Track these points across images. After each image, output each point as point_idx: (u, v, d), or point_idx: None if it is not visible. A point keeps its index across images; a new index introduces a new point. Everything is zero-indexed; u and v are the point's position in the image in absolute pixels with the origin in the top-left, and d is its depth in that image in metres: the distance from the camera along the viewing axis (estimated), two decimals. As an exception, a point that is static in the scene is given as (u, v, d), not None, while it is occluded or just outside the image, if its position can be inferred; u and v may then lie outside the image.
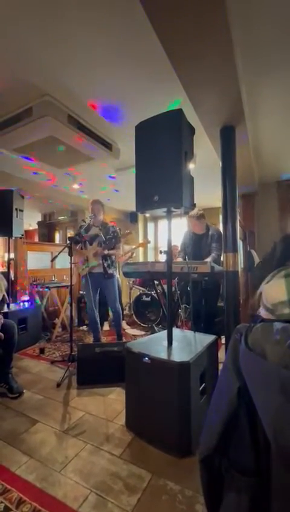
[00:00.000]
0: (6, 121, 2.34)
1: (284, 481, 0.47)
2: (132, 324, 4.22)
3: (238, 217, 2.13)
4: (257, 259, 3.45)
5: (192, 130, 1.71)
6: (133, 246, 5.04)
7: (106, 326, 4.05)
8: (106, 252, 2.88)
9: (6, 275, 3.19)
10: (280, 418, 0.45)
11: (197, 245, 2.99)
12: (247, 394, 0.54)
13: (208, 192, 4.06)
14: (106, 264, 2.92)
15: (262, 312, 0.59)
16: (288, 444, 0.44)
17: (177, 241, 3.77)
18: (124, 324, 4.12)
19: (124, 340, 3.11)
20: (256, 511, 0.52)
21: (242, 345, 0.56)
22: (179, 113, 1.57)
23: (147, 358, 1.54)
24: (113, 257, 3.06)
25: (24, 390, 2.08)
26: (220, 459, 0.59)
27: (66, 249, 2.56)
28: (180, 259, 3.02)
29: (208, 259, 2.73)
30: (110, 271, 2.95)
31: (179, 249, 3.31)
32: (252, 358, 0.53)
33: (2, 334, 1.95)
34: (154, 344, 1.75)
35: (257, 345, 0.54)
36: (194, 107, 1.86)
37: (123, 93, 2.09)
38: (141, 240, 6.25)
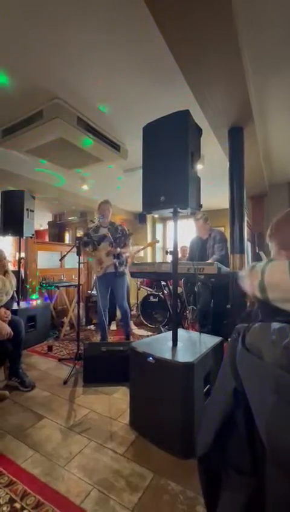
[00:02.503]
0: (18, 123, 2.42)
1: (279, 481, 0.47)
2: (139, 325, 4.23)
3: (246, 218, 2.12)
4: (266, 261, 3.40)
5: (199, 131, 1.71)
6: (141, 246, 5.06)
7: (113, 326, 4.08)
8: (118, 250, 2.93)
9: (16, 273, 3.27)
10: (273, 418, 0.45)
11: (203, 250, 3.02)
12: (244, 394, 0.54)
13: (216, 194, 4.04)
14: (117, 263, 2.96)
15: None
16: (281, 445, 0.44)
17: (186, 241, 3.78)
18: (131, 324, 4.14)
19: (131, 340, 3.13)
20: (252, 509, 0.52)
21: (239, 345, 0.56)
22: (185, 114, 1.57)
23: (151, 358, 1.55)
24: (124, 256, 3.09)
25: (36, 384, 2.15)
26: (218, 458, 0.59)
27: (75, 249, 2.60)
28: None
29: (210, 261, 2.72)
30: (120, 269, 2.99)
31: (187, 253, 3.36)
32: (248, 359, 0.53)
33: (11, 330, 2.00)
34: (159, 344, 1.75)
35: (254, 345, 0.54)
36: (201, 108, 1.87)
37: (131, 94, 2.11)
38: (149, 241, 6.26)
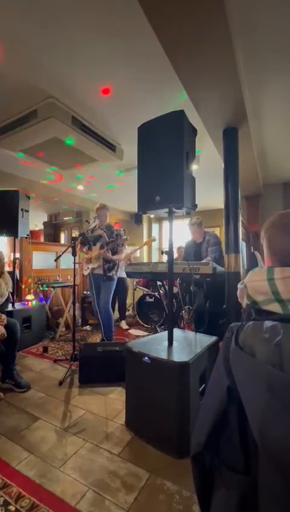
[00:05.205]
0: (12, 123, 2.40)
1: (270, 480, 0.48)
2: (135, 325, 4.23)
3: (240, 218, 2.13)
4: (260, 261, 3.43)
5: (194, 131, 1.71)
6: (137, 247, 5.06)
7: (124, 325, 4.13)
8: (107, 255, 2.94)
9: (11, 274, 3.24)
10: (265, 416, 0.45)
11: (198, 253, 3.06)
12: (237, 393, 0.54)
13: (211, 194, 4.06)
14: (106, 267, 2.98)
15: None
16: (272, 444, 0.44)
17: (182, 242, 3.80)
18: (123, 324, 4.14)
19: (126, 340, 3.13)
20: (245, 508, 0.53)
21: (232, 344, 0.56)
22: (180, 114, 1.57)
23: (146, 358, 1.55)
24: (116, 261, 3.09)
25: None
26: (211, 457, 0.59)
27: (70, 249, 2.59)
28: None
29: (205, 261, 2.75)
30: (109, 273, 3.00)
31: (183, 255, 3.40)
32: (241, 357, 0.53)
33: (5, 331, 1.99)
34: (154, 344, 1.75)
35: (247, 344, 0.54)
36: (196, 108, 1.87)
37: (127, 94, 2.11)
38: (145, 241, 6.26)
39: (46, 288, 3.85)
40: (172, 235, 1.76)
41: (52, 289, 3.82)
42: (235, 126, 2.07)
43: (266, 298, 0.54)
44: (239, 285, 0.64)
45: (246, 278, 0.62)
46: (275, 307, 0.53)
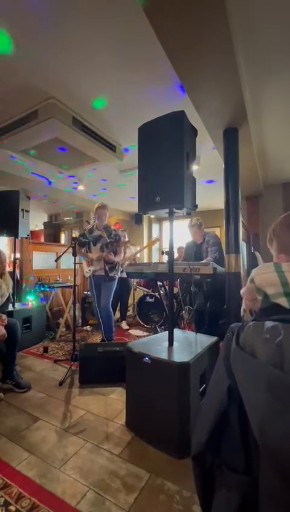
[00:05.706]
0: (13, 123, 2.40)
1: (271, 479, 0.48)
2: (135, 325, 4.23)
3: (241, 219, 2.13)
4: (261, 261, 3.43)
5: (194, 132, 1.72)
6: (138, 248, 5.05)
7: (124, 325, 4.12)
8: (110, 257, 2.94)
9: (11, 274, 3.24)
10: (266, 416, 0.45)
11: (198, 254, 3.08)
12: (237, 393, 0.54)
13: (211, 195, 4.06)
14: (107, 267, 2.98)
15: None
16: (273, 443, 0.44)
17: (182, 242, 3.81)
18: (124, 324, 4.14)
19: (127, 340, 3.12)
20: (245, 508, 0.53)
21: (233, 344, 0.56)
22: (181, 114, 1.58)
23: (147, 358, 1.55)
24: (116, 261, 3.08)
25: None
26: (212, 457, 0.59)
27: (70, 249, 2.59)
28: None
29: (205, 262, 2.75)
30: (111, 274, 3.00)
31: (183, 256, 3.41)
32: (242, 357, 0.53)
33: (5, 332, 1.99)
34: (155, 344, 1.75)
35: (247, 344, 0.54)
36: (196, 109, 1.87)
37: (127, 96, 2.12)
38: (145, 242, 6.26)
39: (48, 289, 3.84)
40: (172, 235, 1.76)
41: (52, 289, 3.82)
42: (235, 126, 2.07)
43: (275, 291, 0.56)
44: (247, 284, 0.66)
45: (251, 274, 0.63)
46: (283, 301, 0.54)
